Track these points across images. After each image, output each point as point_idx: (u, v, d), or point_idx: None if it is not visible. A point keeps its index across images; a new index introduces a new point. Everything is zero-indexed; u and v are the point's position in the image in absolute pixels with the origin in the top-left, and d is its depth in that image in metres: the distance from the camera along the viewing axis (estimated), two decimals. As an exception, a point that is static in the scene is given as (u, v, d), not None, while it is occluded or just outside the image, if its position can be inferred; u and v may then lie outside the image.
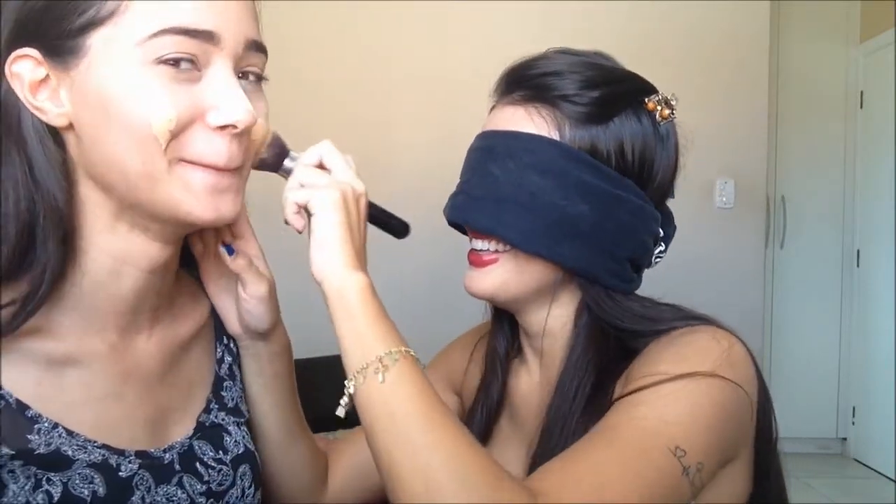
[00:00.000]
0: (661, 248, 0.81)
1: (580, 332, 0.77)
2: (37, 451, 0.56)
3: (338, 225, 0.64)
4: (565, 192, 0.72)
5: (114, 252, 0.61)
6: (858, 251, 3.73)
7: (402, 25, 2.74)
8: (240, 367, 0.77)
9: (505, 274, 0.76)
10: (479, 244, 0.78)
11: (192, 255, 0.73)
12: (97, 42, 0.55)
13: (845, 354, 3.77)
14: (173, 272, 0.68)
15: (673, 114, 0.78)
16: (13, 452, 0.54)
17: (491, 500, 0.55)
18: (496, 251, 0.77)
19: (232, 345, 0.76)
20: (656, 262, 0.82)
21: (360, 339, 0.62)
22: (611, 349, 0.75)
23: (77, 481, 0.57)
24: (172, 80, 0.56)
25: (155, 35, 0.55)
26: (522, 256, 0.75)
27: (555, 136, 0.74)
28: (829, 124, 3.76)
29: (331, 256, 0.63)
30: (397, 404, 0.59)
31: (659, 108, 0.77)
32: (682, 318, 0.75)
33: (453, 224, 0.83)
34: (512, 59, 0.81)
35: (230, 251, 0.69)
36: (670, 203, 0.84)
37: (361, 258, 0.66)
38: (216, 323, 0.75)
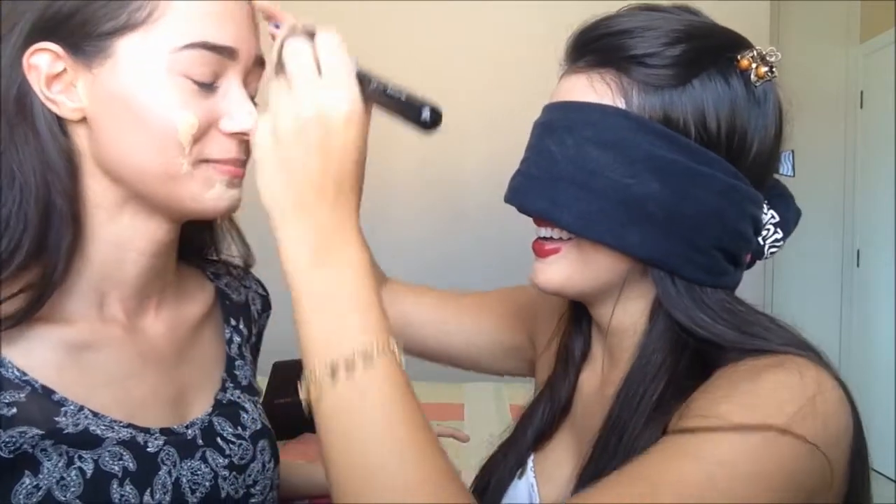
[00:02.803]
0: (779, 235, 0.69)
1: (652, 333, 0.66)
2: (66, 431, 0.58)
3: (268, 179, 0.54)
4: (631, 168, 0.61)
5: (116, 240, 0.64)
6: (858, 251, 3.73)
7: (403, 23, 2.74)
8: (250, 348, 0.81)
9: (569, 266, 0.66)
10: (543, 231, 0.68)
11: (192, 246, 0.76)
12: (125, 46, 0.58)
13: (845, 354, 3.77)
14: (174, 253, 0.71)
15: (772, 72, 0.65)
16: (43, 432, 0.57)
17: None
18: (559, 239, 0.67)
19: (241, 326, 0.80)
20: (771, 253, 0.70)
21: (302, 338, 0.53)
22: (688, 358, 0.63)
23: (107, 458, 0.59)
24: (194, 90, 0.59)
25: (186, 47, 0.58)
26: (587, 245, 0.65)
27: (620, 104, 0.63)
28: (829, 124, 3.76)
29: (272, 215, 0.54)
30: (340, 434, 0.50)
31: (754, 65, 0.64)
32: (784, 343, 0.61)
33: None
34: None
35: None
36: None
37: (318, 200, 0.53)
38: (222, 306, 0.79)
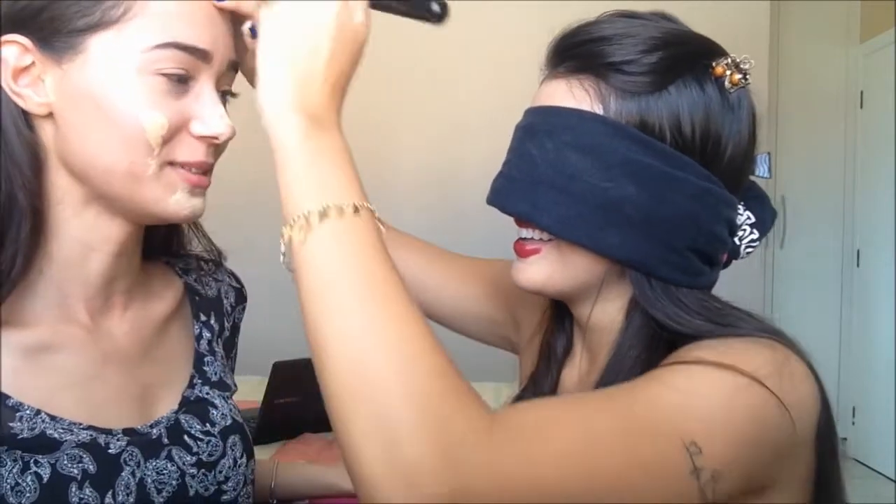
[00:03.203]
0: (755, 235, 0.71)
1: (628, 330, 0.68)
2: (20, 436, 0.57)
3: (272, 56, 0.55)
4: (608, 172, 0.64)
5: (80, 237, 0.63)
6: (858, 251, 3.73)
7: (403, 23, 2.74)
8: (221, 344, 0.79)
9: (549, 266, 0.69)
10: (524, 232, 0.71)
11: (156, 243, 0.75)
12: (97, 44, 0.57)
13: (845, 354, 3.77)
14: (138, 252, 0.70)
15: (746, 79, 0.67)
16: None
17: (437, 415, 0.46)
18: (540, 240, 0.69)
19: (212, 321, 0.78)
20: (748, 253, 0.72)
21: (289, 190, 0.53)
22: (662, 353, 0.65)
23: (65, 462, 0.58)
24: (165, 90, 0.59)
25: (158, 47, 0.58)
26: (566, 246, 0.67)
27: (598, 109, 0.65)
28: (829, 124, 3.76)
29: (271, 97, 0.54)
30: (324, 273, 0.51)
31: (728, 72, 0.66)
32: (757, 329, 0.64)
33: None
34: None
35: (255, 32, 0.66)
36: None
37: (318, 83, 0.55)
38: (192, 302, 0.77)
